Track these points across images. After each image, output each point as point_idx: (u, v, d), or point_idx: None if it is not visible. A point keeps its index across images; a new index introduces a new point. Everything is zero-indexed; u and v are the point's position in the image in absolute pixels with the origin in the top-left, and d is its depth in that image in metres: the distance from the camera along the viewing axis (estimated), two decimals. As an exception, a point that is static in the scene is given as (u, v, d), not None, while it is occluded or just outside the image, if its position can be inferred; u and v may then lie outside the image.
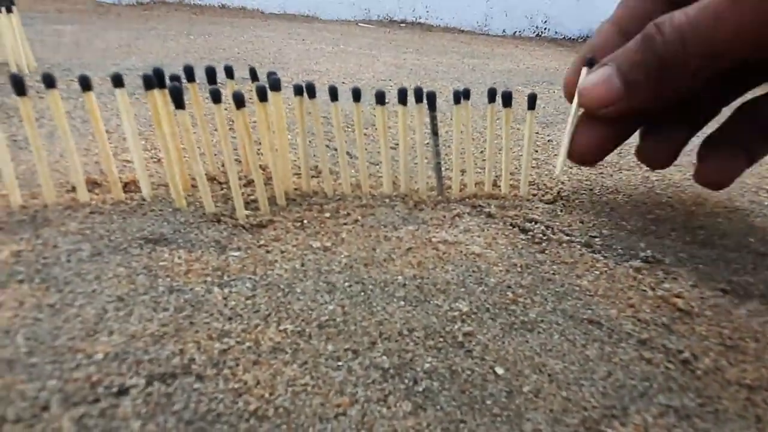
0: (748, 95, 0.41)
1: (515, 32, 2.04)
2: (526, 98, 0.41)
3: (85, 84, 0.35)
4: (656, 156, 0.41)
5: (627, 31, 0.38)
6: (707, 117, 0.43)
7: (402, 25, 1.94)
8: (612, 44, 0.38)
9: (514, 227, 0.38)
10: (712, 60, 0.33)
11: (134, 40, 1.02)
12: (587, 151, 0.40)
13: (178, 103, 0.34)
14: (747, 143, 0.40)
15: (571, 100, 0.40)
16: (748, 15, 0.30)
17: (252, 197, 0.39)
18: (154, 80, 0.34)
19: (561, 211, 0.41)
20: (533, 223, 0.39)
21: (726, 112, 0.42)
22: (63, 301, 0.26)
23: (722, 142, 0.40)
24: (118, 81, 0.35)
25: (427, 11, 2.01)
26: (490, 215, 0.40)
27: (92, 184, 0.39)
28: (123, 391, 0.21)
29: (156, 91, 0.35)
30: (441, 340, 0.26)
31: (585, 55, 0.40)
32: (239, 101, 0.34)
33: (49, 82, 0.34)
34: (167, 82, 0.35)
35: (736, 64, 0.33)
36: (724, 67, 0.33)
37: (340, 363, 0.24)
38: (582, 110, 0.39)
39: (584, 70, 0.39)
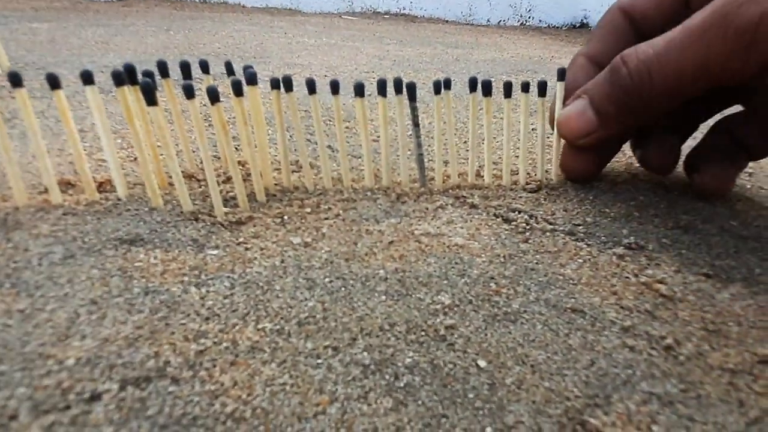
0: (718, 115, 0.45)
1: (500, 21, 2.04)
2: (516, 87, 0.41)
3: (54, 82, 0.34)
4: (662, 162, 0.43)
5: (600, 64, 0.40)
6: (694, 126, 0.45)
7: (386, 16, 1.92)
8: (587, 76, 0.41)
9: (497, 217, 0.38)
10: (678, 90, 0.34)
11: (112, 37, 1.00)
12: (579, 175, 0.43)
13: (150, 99, 0.33)
14: (732, 154, 0.42)
15: (553, 129, 0.43)
16: (714, 48, 0.31)
17: (231, 194, 0.38)
18: (124, 76, 0.33)
19: (545, 199, 0.41)
20: (517, 212, 0.38)
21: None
22: (34, 305, 0.26)
23: (710, 155, 0.42)
24: (88, 78, 0.34)
25: (411, 2, 2.00)
26: (473, 206, 0.39)
27: (66, 185, 0.38)
28: (95, 397, 0.21)
29: (128, 88, 0.34)
30: (423, 334, 0.26)
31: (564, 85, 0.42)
32: (213, 96, 0.33)
33: (16, 80, 0.33)
34: (139, 78, 0.35)
35: (704, 92, 0.34)
36: (692, 95, 0.35)
37: (319, 361, 0.24)
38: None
39: (557, 116, 0.41)
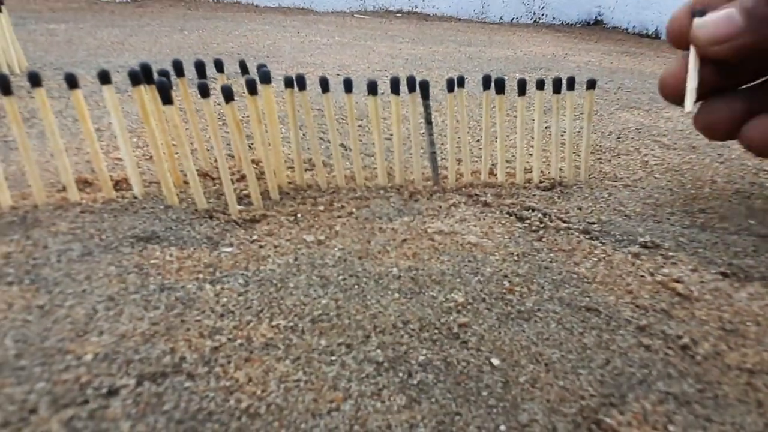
0: None
1: (513, 19, 2.02)
2: (530, 85, 0.41)
3: (72, 82, 0.34)
4: (718, 121, 0.38)
5: None
6: None
7: (398, 15, 1.92)
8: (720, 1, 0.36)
9: (510, 215, 0.38)
10: None
11: (127, 37, 1.01)
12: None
13: (166, 98, 0.33)
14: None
15: (676, 44, 0.39)
16: None
17: (245, 192, 0.38)
18: (140, 76, 0.34)
19: (558, 197, 0.41)
20: (530, 210, 0.38)
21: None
22: (52, 302, 0.26)
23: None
24: (104, 78, 0.35)
25: (423, 0, 1.99)
26: (486, 204, 0.39)
27: (83, 183, 0.38)
28: (113, 392, 0.21)
29: (144, 87, 0.34)
30: (436, 331, 0.26)
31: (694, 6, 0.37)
32: (227, 95, 0.34)
33: (35, 80, 0.33)
34: (155, 77, 0.35)
35: None
36: None
37: (333, 358, 0.24)
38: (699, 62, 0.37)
39: (696, 19, 0.37)
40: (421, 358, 0.24)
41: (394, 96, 0.38)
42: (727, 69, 0.37)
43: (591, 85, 0.42)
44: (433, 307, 0.27)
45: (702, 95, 0.38)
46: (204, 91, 0.33)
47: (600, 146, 0.53)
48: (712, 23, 0.35)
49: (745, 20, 0.34)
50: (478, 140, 0.53)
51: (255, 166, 0.42)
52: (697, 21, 0.36)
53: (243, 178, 0.40)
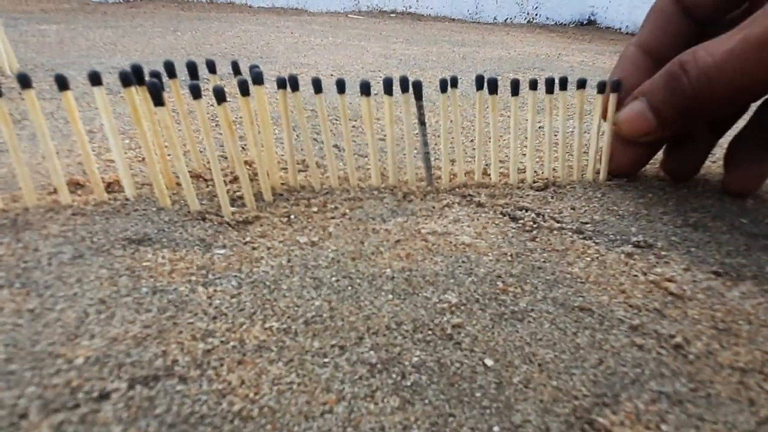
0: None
1: (506, 19, 2.03)
2: (524, 85, 0.41)
3: (62, 83, 0.34)
4: (682, 169, 0.44)
5: (652, 54, 0.41)
6: (729, 124, 0.45)
7: (392, 15, 1.92)
8: (639, 68, 0.41)
9: (504, 216, 0.38)
10: (738, 98, 0.34)
11: (120, 38, 1.01)
12: (627, 168, 0.44)
13: (157, 99, 0.33)
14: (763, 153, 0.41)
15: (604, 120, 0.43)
16: None
17: (238, 194, 0.38)
18: (131, 77, 0.33)
19: (552, 197, 0.41)
20: (524, 211, 0.38)
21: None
22: (43, 305, 0.26)
23: (749, 146, 0.42)
24: (95, 79, 0.34)
25: (417, 0, 2.00)
26: (480, 204, 0.39)
27: (75, 186, 0.38)
28: (104, 396, 0.21)
29: (135, 88, 0.34)
30: (429, 332, 0.26)
31: (611, 78, 0.42)
32: (220, 96, 0.34)
33: (25, 82, 0.33)
34: (146, 78, 0.35)
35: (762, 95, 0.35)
36: (752, 101, 0.36)
37: (326, 359, 0.24)
38: (612, 128, 0.42)
39: (612, 97, 0.42)
40: (415, 359, 0.24)
41: (388, 96, 0.38)
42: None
43: (581, 84, 0.42)
44: (427, 308, 0.27)
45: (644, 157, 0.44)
46: (196, 93, 0.33)
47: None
48: (631, 121, 0.40)
49: (656, 119, 0.38)
50: (471, 140, 0.53)
51: (248, 167, 0.42)
52: (617, 116, 0.41)
53: (236, 179, 0.40)
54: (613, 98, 0.42)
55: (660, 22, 0.41)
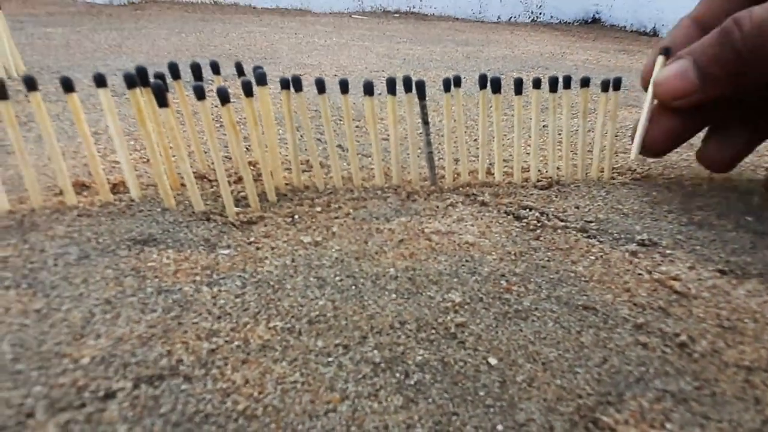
0: None
1: (510, 18, 2.02)
2: (528, 84, 0.41)
3: (68, 85, 0.34)
4: (717, 157, 0.41)
5: (706, 27, 0.39)
6: None
7: (396, 15, 1.92)
8: (690, 38, 0.39)
9: (508, 215, 0.38)
10: None
11: (125, 40, 1.01)
12: (658, 141, 0.41)
13: (161, 101, 0.33)
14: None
15: (646, 89, 0.41)
16: None
17: (242, 194, 0.38)
18: (136, 78, 0.34)
19: (556, 196, 0.41)
20: (528, 210, 0.38)
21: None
22: (50, 305, 0.26)
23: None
24: (100, 81, 0.35)
25: (421, 0, 1.99)
26: (483, 203, 0.39)
27: (80, 187, 0.38)
28: (109, 395, 0.21)
29: (140, 90, 0.34)
30: (433, 332, 0.26)
31: (662, 45, 0.41)
32: (224, 97, 0.34)
33: (31, 84, 0.33)
34: (151, 80, 0.35)
35: None
36: None
37: (330, 359, 0.24)
38: (656, 101, 0.40)
39: (660, 58, 0.40)
40: (418, 358, 0.24)
41: (391, 96, 0.38)
42: (692, 115, 0.40)
43: (585, 83, 0.42)
44: (431, 307, 0.27)
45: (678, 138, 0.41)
46: (200, 94, 0.33)
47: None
48: (668, 80, 0.38)
49: (699, 78, 0.37)
50: (475, 140, 0.53)
51: (252, 167, 0.42)
52: (655, 77, 0.39)
53: (240, 180, 0.40)
54: (660, 60, 0.40)
55: None
